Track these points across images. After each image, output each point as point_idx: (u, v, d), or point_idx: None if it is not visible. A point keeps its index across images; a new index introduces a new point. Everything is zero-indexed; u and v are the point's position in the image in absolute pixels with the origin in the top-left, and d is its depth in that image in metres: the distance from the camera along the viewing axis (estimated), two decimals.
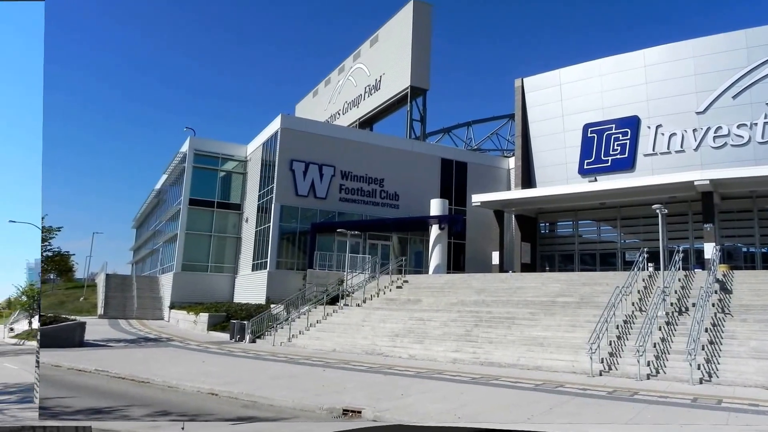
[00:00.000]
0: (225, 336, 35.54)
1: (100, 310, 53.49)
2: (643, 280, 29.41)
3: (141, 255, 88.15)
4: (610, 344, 22.70)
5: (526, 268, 46.10)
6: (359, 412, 14.47)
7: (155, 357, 25.83)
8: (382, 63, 63.16)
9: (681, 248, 32.43)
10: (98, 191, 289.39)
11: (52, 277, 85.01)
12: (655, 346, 21.72)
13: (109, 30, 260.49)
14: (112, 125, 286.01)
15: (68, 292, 71.26)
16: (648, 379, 20.10)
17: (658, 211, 27.80)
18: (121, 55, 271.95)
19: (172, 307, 49.14)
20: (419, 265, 48.90)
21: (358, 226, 45.14)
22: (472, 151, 66.16)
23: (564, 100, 48.21)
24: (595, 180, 43.96)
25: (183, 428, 12.22)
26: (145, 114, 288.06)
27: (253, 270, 48.00)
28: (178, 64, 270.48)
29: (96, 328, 39.75)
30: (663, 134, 43.03)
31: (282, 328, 33.32)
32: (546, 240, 49.59)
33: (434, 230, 45.61)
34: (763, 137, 39.36)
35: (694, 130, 41.68)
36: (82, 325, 31.65)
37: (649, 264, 30.98)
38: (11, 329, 52.25)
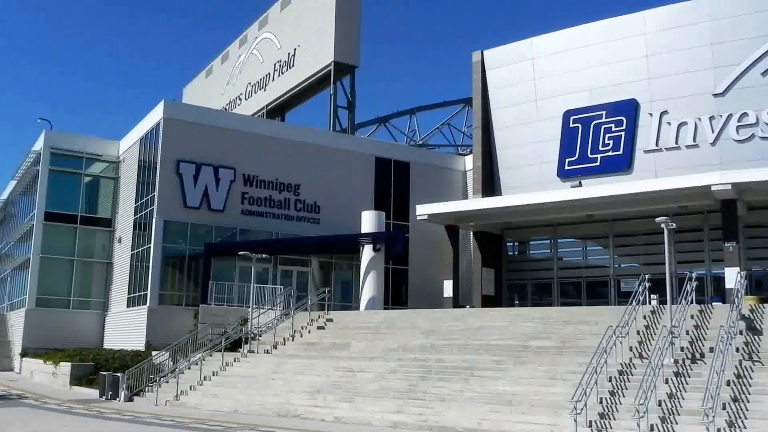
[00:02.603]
0: (94, 392, 35.70)
1: None
2: (645, 318, 29.35)
3: None
4: (601, 402, 22.72)
5: (488, 301, 46.07)
6: None
7: (2, 420, 26.11)
8: (297, 32, 64.15)
9: (694, 274, 32.22)
10: None
11: None
12: (660, 405, 21.65)
13: None
14: None
15: None
16: None
17: (663, 225, 27.42)
18: None
19: (24, 354, 49.03)
20: (347, 299, 49.26)
21: (267, 247, 44.31)
22: (416, 147, 67.97)
23: (538, 80, 47.99)
24: (580, 185, 43.93)
25: None
26: None
27: (128, 306, 47.53)
28: (29, 34, 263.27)
29: None
30: (669, 123, 42.84)
31: (168, 382, 33.46)
32: (515, 264, 49.81)
33: (367, 252, 45.27)
34: None
35: (711, 118, 41.40)
36: None
37: (653, 296, 30.91)
38: None
